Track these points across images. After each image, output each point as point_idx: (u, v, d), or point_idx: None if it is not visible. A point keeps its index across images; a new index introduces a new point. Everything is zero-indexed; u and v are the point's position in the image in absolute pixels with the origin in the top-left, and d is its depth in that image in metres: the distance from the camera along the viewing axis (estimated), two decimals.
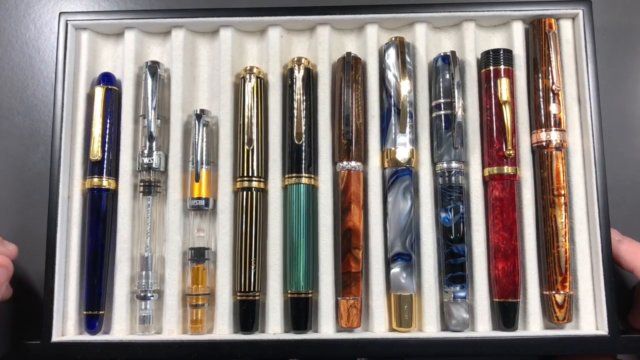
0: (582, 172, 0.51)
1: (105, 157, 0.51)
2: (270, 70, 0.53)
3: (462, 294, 0.50)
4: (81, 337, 0.49)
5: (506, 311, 0.49)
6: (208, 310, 0.51)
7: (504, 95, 0.51)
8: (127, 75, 0.53)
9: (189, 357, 0.47)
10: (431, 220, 0.51)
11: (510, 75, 0.52)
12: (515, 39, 0.53)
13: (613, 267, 0.48)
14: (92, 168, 0.51)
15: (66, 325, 0.50)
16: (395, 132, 0.51)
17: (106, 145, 0.51)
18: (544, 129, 0.51)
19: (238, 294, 0.50)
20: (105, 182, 0.51)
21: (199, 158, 0.51)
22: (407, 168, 0.51)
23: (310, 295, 0.50)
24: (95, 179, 0.51)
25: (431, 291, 0.50)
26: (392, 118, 0.52)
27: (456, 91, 0.51)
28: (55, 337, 0.48)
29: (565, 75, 0.53)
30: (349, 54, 0.52)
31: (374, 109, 0.52)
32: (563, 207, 0.50)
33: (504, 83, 0.51)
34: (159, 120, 0.52)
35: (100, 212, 0.51)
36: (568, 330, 0.50)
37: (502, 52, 0.52)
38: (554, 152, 0.51)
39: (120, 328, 0.50)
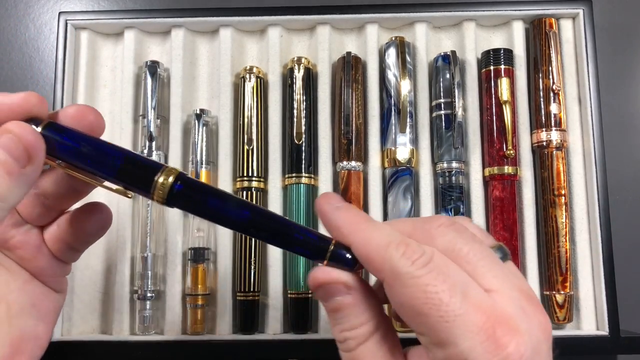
0: (583, 172, 0.51)
1: None
2: (270, 70, 0.53)
3: None
4: (81, 337, 0.49)
5: None
6: (208, 310, 0.51)
7: (504, 95, 0.51)
8: (127, 75, 0.53)
9: (189, 357, 0.47)
10: None
11: (510, 75, 0.52)
12: (516, 39, 0.53)
13: (613, 267, 0.48)
14: None
15: (66, 325, 0.50)
16: (395, 132, 0.51)
17: None
18: (544, 129, 0.51)
19: (238, 294, 0.50)
20: None
21: (198, 158, 0.51)
22: (407, 168, 0.51)
23: (310, 295, 0.50)
24: None
25: None
26: (392, 118, 0.52)
27: (456, 91, 0.51)
28: (56, 337, 0.48)
29: (566, 75, 0.53)
30: (349, 53, 0.52)
31: (374, 109, 0.52)
32: (563, 207, 0.50)
33: (504, 83, 0.51)
34: (159, 120, 0.52)
35: None
36: (568, 331, 0.50)
37: (502, 51, 0.52)
38: (554, 152, 0.51)
39: (120, 328, 0.49)
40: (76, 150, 0.32)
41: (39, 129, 0.31)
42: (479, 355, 0.25)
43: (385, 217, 0.51)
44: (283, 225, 0.31)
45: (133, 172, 0.32)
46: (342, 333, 0.30)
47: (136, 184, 0.32)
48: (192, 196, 0.31)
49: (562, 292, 0.49)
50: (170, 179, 0.31)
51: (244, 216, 0.31)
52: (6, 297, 0.34)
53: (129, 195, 0.33)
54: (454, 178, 0.51)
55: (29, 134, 0.30)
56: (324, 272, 0.30)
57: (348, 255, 0.30)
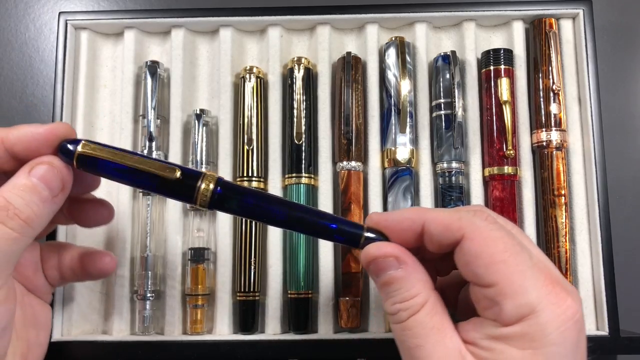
0: (583, 172, 0.51)
1: None
2: (270, 70, 0.53)
3: None
4: (81, 337, 0.49)
5: None
6: (208, 311, 0.51)
7: (504, 95, 0.51)
8: (127, 75, 0.53)
9: (189, 357, 0.47)
10: None
11: (510, 75, 0.52)
12: (516, 39, 0.53)
13: (613, 267, 0.48)
14: None
15: (66, 325, 0.50)
16: (395, 132, 0.51)
17: None
18: (544, 129, 0.51)
19: (238, 294, 0.50)
20: None
21: (198, 158, 0.51)
22: (407, 168, 0.51)
23: (310, 295, 0.50)
24: None
25: None
26: (392, 118, 0.52)
27: (456, 91, 0.51)
28: (56, 337, 0.48)
29: (566, 75, 0.53)
30: (349, 53, 0.52)
31: (374, 109, 0.52)
32: (563, 207, 0.50)
33: (504, 83, 0.51)
34: (159, 120, 0.52)
35: None
36: None
37: (502, 51, 0.52)
38: (554, 152, 0.51)
39: (120, 328, 0.50)
40: (115, 167, 0.34)
41: (79, 148, 0.33)
42: (544, 307, 0.28)
43: None
44: (318, 218, 0.34)
45: (174, 182, 0.33)
46: (394, 305, 0.32)
47: (178, 193, 0.34)
48: (232, 199, 0.34)
49: None
50: (211, 185, 0.33)
51: (280, 213, 0.34)
52: None
53: (178, 176, 0.34)
54: (454, 178, 0.51)
55: (64, 166, 0.33)
56: (377, 248, 0.32)
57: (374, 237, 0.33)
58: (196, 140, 0.51)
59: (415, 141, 0.52)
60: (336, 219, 0.34)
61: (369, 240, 0.33)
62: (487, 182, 0.52)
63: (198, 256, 0.51)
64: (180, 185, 0.33)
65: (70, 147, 0.34)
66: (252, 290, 0.50)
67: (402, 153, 0.51)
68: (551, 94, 0.51)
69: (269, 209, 0.34)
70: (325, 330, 0.49)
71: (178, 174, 0.33)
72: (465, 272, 0.30)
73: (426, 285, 0.32)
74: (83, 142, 0.34)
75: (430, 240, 0.32)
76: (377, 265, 0.32)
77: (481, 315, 0.30)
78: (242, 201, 0.34)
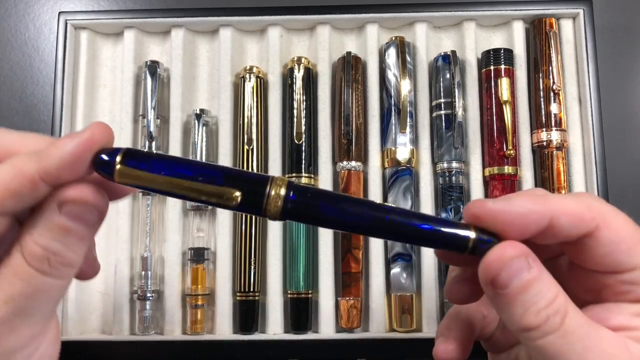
0: (583, 172, 0.51)
1: None
2: (270, 70, 0.53)
3: None
4: (81, 337, 0.49)
5: None
6: (208, 310, 0.51)
7: (505, 94, 0.51)
8: (127, 75, 0.53)
9: (189, 357, 0.47)
10: None
11: (510, 74, 0.52)
12: (516, 39, 0.53)
13: None
14: None
15: (66, 325, 0.50)
16: (395, 132, 0.51)
17: None
18: (544, 129, 0.51)
19: (238, 294, 0.50)
20: None
21: (198, 158, 0.51)
22: (407, 168, 0.51)
23: (310, 295, 0.50)
24: None
25: (431, 291, 0.50)
26: (392, 118, 0.52)
27: (456, 91, 0.51)
28: None
29: (566, 75, 0.53)
30: (349, 53, 0.52)
31: (374, 109, 0.52)
32: None
33: (504, 83, 0.51)
34: (159, 120, 0.52)
35: None
36: None
37: (502, 51, 0.52)
38: (554, 152, 0.51)
39: (120, 328, 0.49)
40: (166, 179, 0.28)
41: (117, 158, 0.27)
42: None
43: None
44: (409, 218, 0.28)
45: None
46: (540, 314, 0.26)
47: (245, 202, 0.28)
48: (306, 205, 0.28)
49: None
50: (283, 191, 0.27)
51: (365, 218, 0.28)
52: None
53: (234, 203, 0.28)
54: (454, 178, 0.51)
55: (98, 195, 0.28)
56: (502, 252, 0.26)
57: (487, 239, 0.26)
58: (196, 140, 0.51)
59: (415, 141, 0.52)
60: (434, 219, 0.28)
61: (482, 243, 0.27)
62: (487, 182, 0.52)
63: (198, 256, 0.51)
64: (245, 196, 0.27)
65: (106, 158, 0.28)
66: (252, 290, 0.50)
67: (402, 153, 0.51)
68: (551, 94, 0.51)
69: (351, 214, 0.28)
70: (325, 330, 0.49)
71: (238, 196, 0.27)
72: (600, 262, 0.27)
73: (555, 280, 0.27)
74: (123, 151, 0.28)
75: (555, 234, 0.27)
76: (508, 273, 0.26)
77: (612, 302, 0.28)
78: (318, 209, 0.28)
